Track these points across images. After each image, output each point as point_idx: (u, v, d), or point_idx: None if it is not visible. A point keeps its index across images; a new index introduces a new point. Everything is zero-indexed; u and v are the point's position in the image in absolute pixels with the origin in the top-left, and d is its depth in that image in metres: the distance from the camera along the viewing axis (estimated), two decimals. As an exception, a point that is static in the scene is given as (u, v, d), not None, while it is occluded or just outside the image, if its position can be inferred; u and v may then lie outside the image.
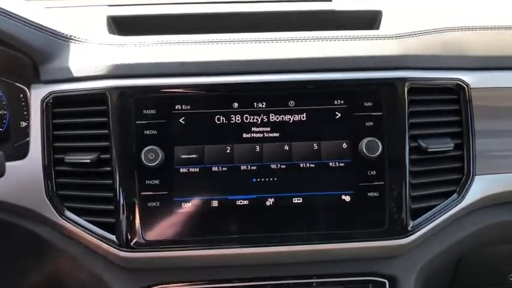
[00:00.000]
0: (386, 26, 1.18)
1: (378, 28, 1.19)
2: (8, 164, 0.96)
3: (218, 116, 1.00)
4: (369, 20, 1.23)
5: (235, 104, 1.00)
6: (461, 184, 1.05)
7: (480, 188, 1.05)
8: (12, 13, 1.00)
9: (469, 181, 1.04)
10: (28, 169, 1.01)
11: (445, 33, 1.09)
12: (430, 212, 1.03)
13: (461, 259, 1.20)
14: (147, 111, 0.99)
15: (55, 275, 1.16)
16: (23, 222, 1.05)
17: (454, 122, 1.05)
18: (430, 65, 1.05)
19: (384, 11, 1.23)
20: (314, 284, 1.07)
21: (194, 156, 0.99)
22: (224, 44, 1.04)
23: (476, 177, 1.05)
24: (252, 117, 1.00)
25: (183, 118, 0.99)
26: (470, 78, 1.05)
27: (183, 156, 0.99)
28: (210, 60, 1.01)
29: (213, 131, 1.00)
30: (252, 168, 1.00)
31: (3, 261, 1.20)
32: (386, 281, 1.07)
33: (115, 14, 1.19)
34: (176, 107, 0.99)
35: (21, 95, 1.08)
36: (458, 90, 1.05)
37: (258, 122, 1.00)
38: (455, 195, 1.05)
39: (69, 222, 1.00)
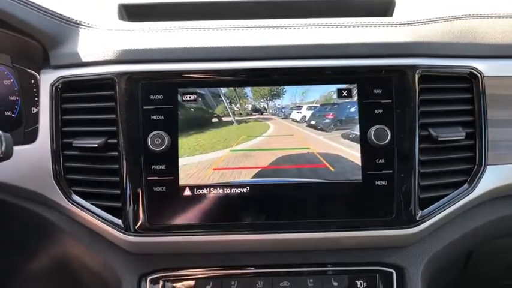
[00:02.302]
0: (399, 13, 1.16)
1: (391, 15, 1.17)
2: (17, 148, 0.97)
3: (226, 102, 0.99)
4: (383, 7, 1.21)
5: (244, 90, 1.00)
6: (473, 174, 1.03)
7: (492, 178, 1.02)
8: None
9: (481, 171, 1.02)
10: (37, 153, 1.02)
11: (458, 20, 1.06)
12: (439, 202, 1.01)
13: (472, 251, 1.17)
14: (154, 97, 0.99)
15: (62, 259, 1.17)
16: (31, 205, 1.06)
17: (466, 110, 1.03)
18: (442, 53, 1.03)
19: None
20: (326, 272, 1.06)
21: None
22: (232, 30, 1.03)
23: (488, 167, 1.02)
24: (260, 103, 1.00)
25: (190, 104, 0.99)
26: (484, 67, 1.03)
27: None
28: (218, 46, 1.00)
29: (220, 117, 0.99)
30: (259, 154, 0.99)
31: (11, 245, 1.21)
32: (393, 271, 1.06)
33: (126, 2, 1.19)
34: (183, 93, 0.99)
35: (32, 81, 1.09)
36: (471, 79, 1.03)
37: (266, 108, 1.00)
38: (465, 185, 1.02)
39: (76, 206, 1.01)
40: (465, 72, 1.03)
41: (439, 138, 1.00)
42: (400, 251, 1.06)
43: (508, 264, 1.23)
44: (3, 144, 0.89)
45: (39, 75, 1.06)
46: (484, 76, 1.02)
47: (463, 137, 1.01)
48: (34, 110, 1.09)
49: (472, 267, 1.20)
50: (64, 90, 1.03)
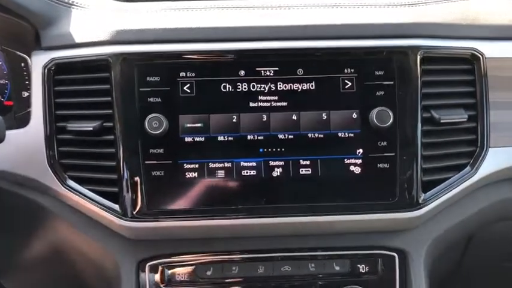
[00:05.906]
0: None
1: None
2: (9, 132, 0.95)
3: (224, 84, 0.97)
4: None
5: (242, 72, 0.97)
6: (475, 157, 1.02)
7: (494, 161, 1.02)
8: None
9: (483, 154, 1.02)
10: (29, 137, 0.99)
11: (461, 1, 1.06)
12: (442, 185, 1.00)
13: (473, 235, 1.17)
14: (151, 78, 0.96)
15: (59, 246, 1.15)
16: (25, 192, 1.03)
17: (468, 92, 1.03)
18: (444, 34, 1.02)
19: None
20: (327, 257, 1.05)
21: (199, 125, 0.97)
22: (230, 10, 1.01)
23: (490, 149, 1.02)
24: (259, 85, 0.97)
25: (188, 86, 0.97)
26: (486, 48, 1.02)
27: (187, 125, 0.97)
28: (216, 26, 0.98)
29: (219, 100, 0.97)
30: (259, 138, 0.97)
31: (4, 232, 1.19)
32: (396, 254, 1.05)
33: None
34: (181, 75, 0.97)
35: (22, 64, 1.06)
36: (473, 60, 1.02)
37: (266, 91, 0.98)
38: (468, 168, 1.02)
39: (71, 192, 0.99)
40: (467, 53, 1.02)
41: (441, 121, 0.99)
42: (403, 235, 1.05)
43: (508, 247, 1.24)
44: (-4, 127, 0.86)
45: (30, 57, 1.03)
46: (485, 58, 1.02)
47: (465, 119, 1.01)
48: (25, 94, 1.06)
49: (473, 250, 1.20)
50: (57, 72, 0.99)
